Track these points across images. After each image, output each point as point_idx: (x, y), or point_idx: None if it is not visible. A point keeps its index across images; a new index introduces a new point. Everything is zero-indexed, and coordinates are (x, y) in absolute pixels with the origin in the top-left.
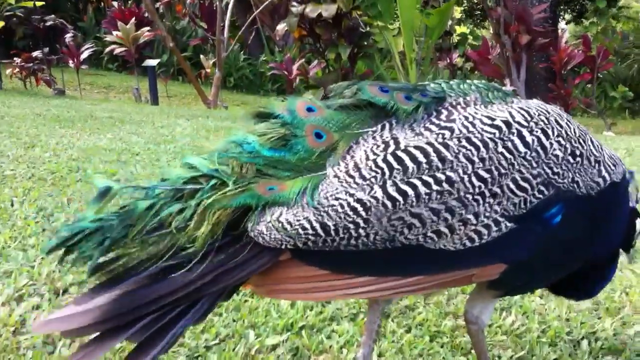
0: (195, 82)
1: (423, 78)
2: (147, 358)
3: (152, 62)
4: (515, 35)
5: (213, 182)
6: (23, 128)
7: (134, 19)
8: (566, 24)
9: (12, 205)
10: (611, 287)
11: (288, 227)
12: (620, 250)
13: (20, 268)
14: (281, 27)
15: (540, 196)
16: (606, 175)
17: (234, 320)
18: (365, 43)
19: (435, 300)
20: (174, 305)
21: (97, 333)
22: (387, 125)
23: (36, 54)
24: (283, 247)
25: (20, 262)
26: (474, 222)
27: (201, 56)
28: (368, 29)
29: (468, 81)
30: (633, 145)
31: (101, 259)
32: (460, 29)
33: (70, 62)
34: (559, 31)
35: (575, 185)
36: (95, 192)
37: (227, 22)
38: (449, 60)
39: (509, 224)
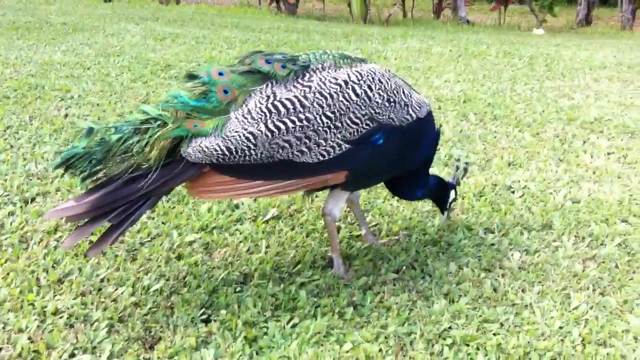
0: None
1: None
2: (120, 230)
3: None
4: None
5: (159, 122)
6: None
7: None
8: None
9: None
10: (462, 192)
11: (206, 149)
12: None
13: None
14: None
15: (367, 127)
16: (413, 114)
17: (162, 223)
18: None
19: (316, 205)
20: (137, 200)
21: (88, 218)
22: (270, 85)
23: None
24: (204, 162)
25: None
26: (324, 144)
27: None
28: None
29: (327, 51)
30: (541, 51)
31: (89, 172)
32: None
33: None
34: None
35: (391, 120)
36: (83, 131)
37: None
38: None
39: (347, 146)
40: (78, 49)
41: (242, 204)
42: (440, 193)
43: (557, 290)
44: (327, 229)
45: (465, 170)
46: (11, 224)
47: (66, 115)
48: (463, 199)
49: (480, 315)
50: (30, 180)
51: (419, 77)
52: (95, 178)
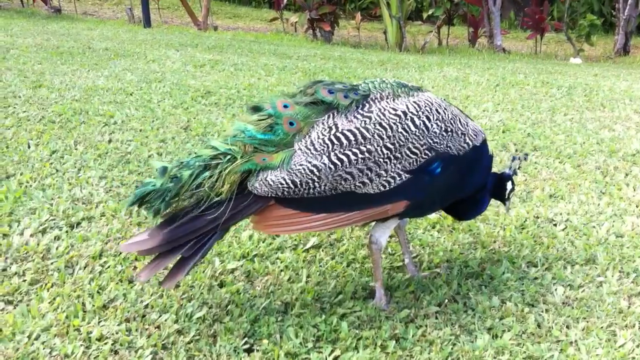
0: (186, 4)
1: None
2: (193, 261)
3: None
4: None
5: (228, 157)
6: (29, 64)
7: None
8: None
9: (28, 147)
10: (494, 224)
11: (272, 183)
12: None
13: (42, 205)
14: None
15: (426, 157)
16: (469, 142)
17: None
18: None
19: (356, 235)
20: (207, 233)
21: (160, 252)
22: (332, 115)
23: None
24: (269, 196)
25: (42, 200)
26: (385, 175)
27: None
28: None
29: (385, 80)
30: (579, 81)
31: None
32: None
33: None
34: None
35: (448, 149)
36: (157, 171)
37: None
38: None
39: (407, 175)
40: (120, 75)
41: None
42: (497, 190)
43: (602, 327)
44: (371, 257)
45: (524, 159)
46: (57, 248)
47: (110, 141)
48: (504, 230)
49: (525, 352)
50: (76, 205)
51: (457, 105)
52: (168, 212)
